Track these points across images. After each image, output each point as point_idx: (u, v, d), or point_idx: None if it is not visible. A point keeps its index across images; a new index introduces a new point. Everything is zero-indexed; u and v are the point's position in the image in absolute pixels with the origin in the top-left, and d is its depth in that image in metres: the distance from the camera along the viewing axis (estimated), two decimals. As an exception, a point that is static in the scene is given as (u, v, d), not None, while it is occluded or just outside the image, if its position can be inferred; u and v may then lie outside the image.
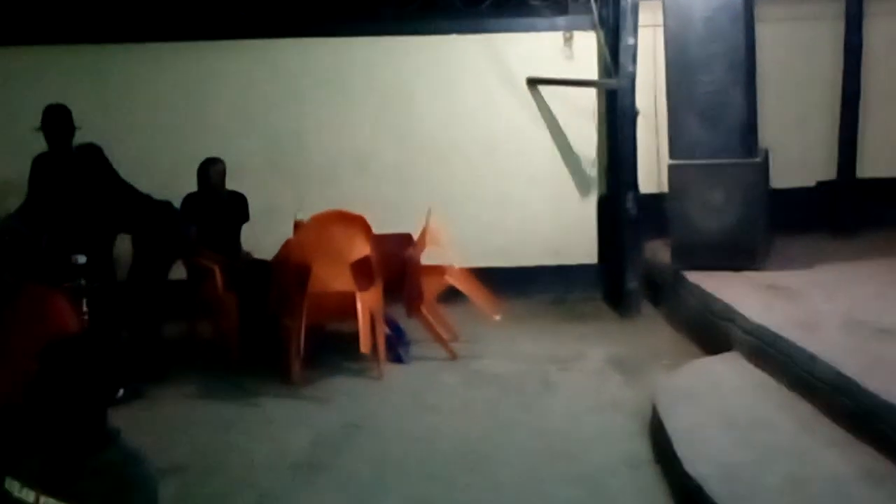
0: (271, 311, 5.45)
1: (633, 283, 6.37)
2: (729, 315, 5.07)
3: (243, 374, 5.38)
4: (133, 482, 2.31)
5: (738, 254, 5.77)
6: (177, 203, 5.81)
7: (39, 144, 5.38)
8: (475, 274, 5.83)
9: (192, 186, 5.90)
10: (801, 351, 4.22)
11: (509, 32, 6.84)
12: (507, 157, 6.91)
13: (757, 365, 4.62)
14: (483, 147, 6.90)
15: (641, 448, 4.19)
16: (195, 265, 5.69)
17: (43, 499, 2.22)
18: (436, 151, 6.89)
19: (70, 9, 6.57)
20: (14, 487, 2.24)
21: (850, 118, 6.94)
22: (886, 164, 7.07)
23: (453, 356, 5.58)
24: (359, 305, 5.12)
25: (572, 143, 6.91)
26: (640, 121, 6.44)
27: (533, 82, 6.85)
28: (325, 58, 6.83)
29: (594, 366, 5.43)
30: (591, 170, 6.92)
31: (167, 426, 4.63)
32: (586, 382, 5.15)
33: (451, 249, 5.72)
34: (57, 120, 5.30)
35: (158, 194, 5.69)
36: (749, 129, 5.85)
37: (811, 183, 7.12)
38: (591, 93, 6.83)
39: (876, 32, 6.91)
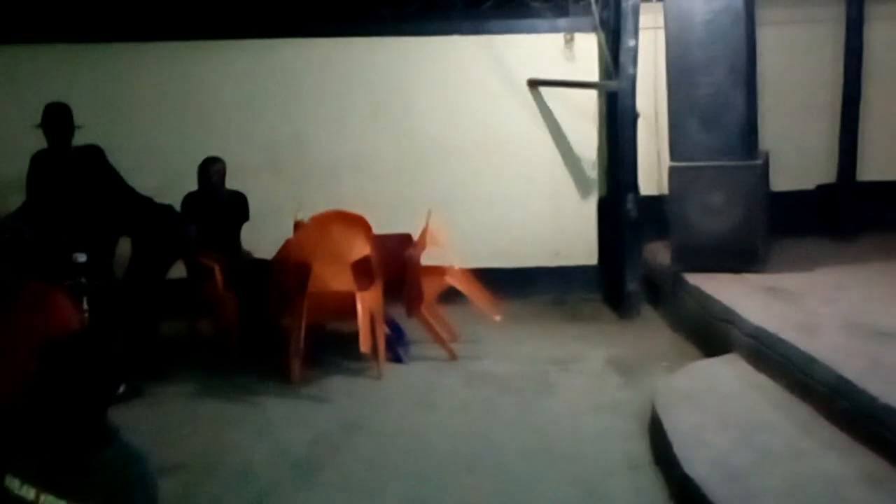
0: (271, 310, 5.46)
1: (632, 285, 6.38)
2: (728, 317, 5.07)
3: (243, 373, 5.38)
4: (133, 480, 2.31)
5: (738, 256, 5.78)
6: (177, 202, 5.81)
7: (40, 143, 5.39)
8: (475, 274, 5.83)
9: (193, 186, 5.90)
10: (801, 353, 4.22)
11: (510, 34, 6.85)
12: (507, 159, 6.91)
13: (756, 367, 4.63)
14: (483, 148, 6.90)
15: (640, 449, 4.19)
16: (195, 264, 5.69)
17: (43, 496, 2.22)
18: (436, 152, 6.89)
19: (71, 7, 6.57)
20: (14, 485, 2.24)
21: (850, 121, 6.95)
22: (886, 167, 7.08)
23: (453, 356, 5.58)
24: (359, 305, 5.12)
25: (573, 144, 6.91)
26: (640, 123, 6.45)
27: (533, 84, 6.85)
28: (325, 58, 6.84)
29: (594, 367, 5.43)
30: (592, 171, 6.93)
31: (167, 425, 4.63)
32: (586, 383, 5.16)
33: (451, 250, 5.72)
34: (57, 118, 5.31)
35: (158, 193, 5.69)
36: (749, 131, 5.86)
37: (811, 186, 7.13)
38: (592, 94, 6.84)
39: (876, 36, 6.91)
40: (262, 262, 5.72)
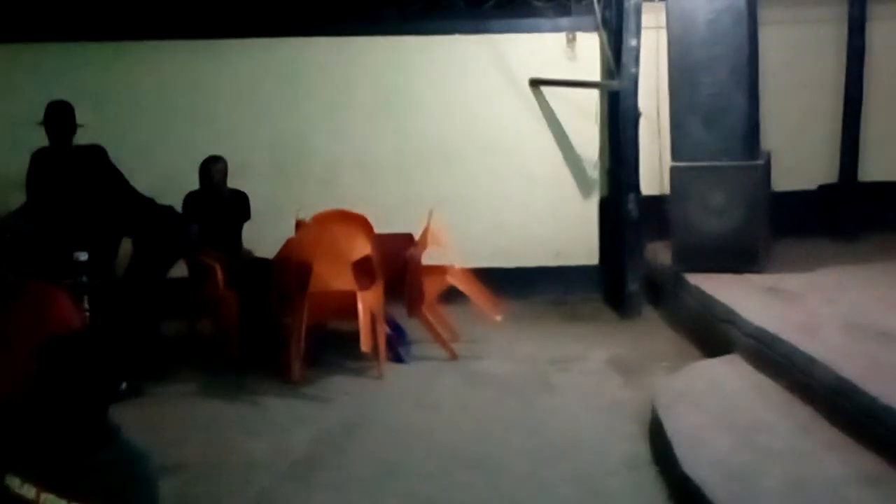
0: (272, 309, 5.46)
1: (633, 285, 6.37)
2: (729, 317, 5.07)
3: (244, 372, 5.38)
4: (134, 479, 2.32)
5: (739, 256, 5.77)
6: (178, 201, 5.82)
7: (42, 142, 5.39)
8: (476, 274, 5.83)
9: (194, 185, 5.90)
10: (801, 354, 4.22)
11: (512, 33, 6.84)
12: (508, 158, 6.91)
13: (757, 367, 4.63)
14: (485, 147, 6.90)
15: (641, 449, 4.19)
16: (196, 263, 5.69)
17: (43, 495, 2.23)
18: (437, 151, 6.89)
19: (73, 6, 6.57)
20: (15, 483, 2.24)
21: (852, 122, 6.94)
22: (888, 167, 7.07)
23: (454, 356, 5.58)
24: (360, 305, 5.12)
25: (574, 144, 6.91)
26: (642, 122, 6.45)
27: (535, 83, 6.85)
28: (327, 57, 6.84)
29: (594, 367, 5.44)
30: (593, 171, 6.93)
31: (167, 424, 4.63)
32: (586, 383, 5.15)
33: (453, 249, 5.72)
34: (59, 116, 5.31)
35: (160, 192, 5.70)
36: (751, 131, 5.85)
37: (813, 186, 7.12)
38: (594, 94, 6.84)
39: (878, 36, 6.90)
40: (263, 262, 5.72)
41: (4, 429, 2.35)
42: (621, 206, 6.43)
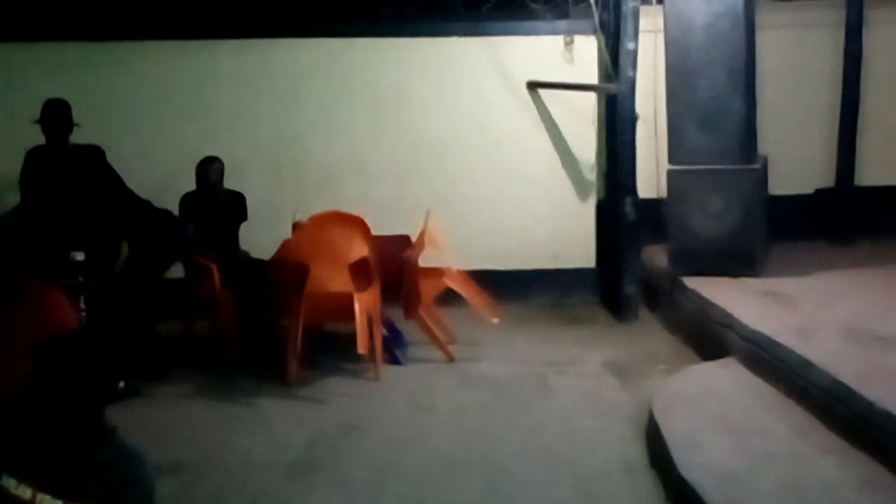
0: (269, 310, 5.45)
1: (630, 288, 6.38)
2: (726, 321, 5.07)
3: (240, 373, 5.37)
4: (130, 480, 2.31)
5: (736, 260, 5.78)
6: (175, 201, 5.81)
7: (39, 140, 5.38)
8: (473, 276, 5.83)
9: (191, 185, 5.90)
10: (798, 357, 4.22)
11: (510, 35, 6.85)
12: (506, 161, 6.91)
13: (753, 371, 4.63)
14: (482, 150, 6.90)
15: (637, 452, 4.19)
16: (193, 264, 5.69)
17: (39, 496, 2.22)
18: (435, 153, 6.89)
19: (72, 6, 6.57)
20: (10, 484, 2.24)
21: (849, 126, 6.95)
22: (885, 172, 7.08)
23: (450, 358, 5.58)
24: (356, 306, 5.12)
25: (572, 146, 6.91)
26: (639, 126, 6.46)
27: (533, 86, 6.85)
28: (325, 59, 6.84)
29: (591, 370, 5.44)
30: (591, 174, 6.93)
31: (164, 425, 4.63)
32: (583, 386, 5.15)
33: (450, 252, 5.72)
34: (56, 114, 5.31)
35: (157, 192, 5.70)
36: (748, 135, 5.86)
37: (809, 190, 7.14)
38: (591, 97, 6.84)
39: (876, 40, 6.92)
40: (260, 263, 5.72)
41: (1, 429, 2.34)
42: (618, 209, 6.43)
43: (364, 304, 5.18)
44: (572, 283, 6.90)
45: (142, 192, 5.61)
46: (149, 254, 5.38)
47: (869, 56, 6.90)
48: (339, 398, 5.05)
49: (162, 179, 6.13)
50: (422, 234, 5.61)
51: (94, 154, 5.45)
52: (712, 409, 4.29)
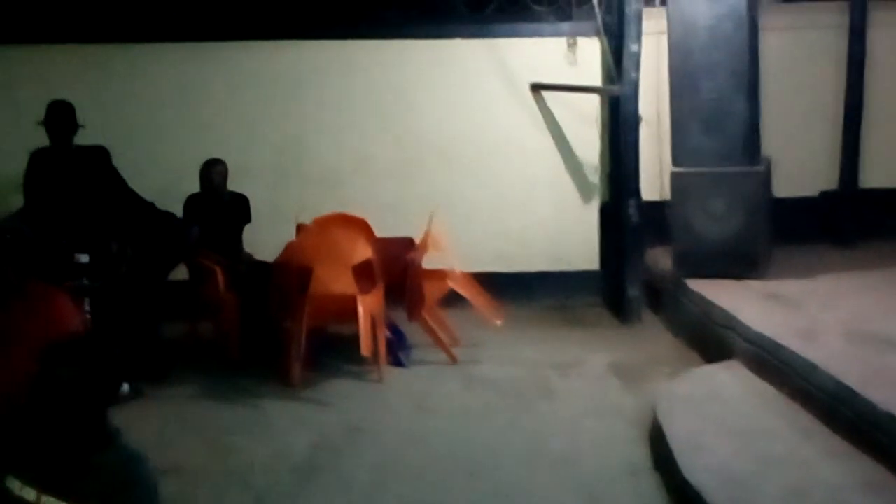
0: (272, 312, 5.45)
1: (634, 290, 6.37)
2: (729, 323, 5.07)
3: (244, 375, 5.38)
4: (133, 482, 2.31)
5: (740, 262, 5.77)
6: (179, 204, 5.82)
7: (43, 141, 5.39)
8: (476, 278, 5.83)
9: (195, 187, 5.90)
10: (802, 360, 4.22)
11: (513, 38, 6.84)
12: (509, 163, 6.91)
13: (757, 373, 4.63)
14: (486, 152, 6.90)
15: (641, 455, 4.19)
16: (197, 266, 5.69)
17: (43, 498, 2.22)
18: (438, 155, 6.89)
19: (76, 8, 6.58)
20: (15, 486, 2.24)
21: (853, 128, 6.95)
22: (889, 174, 7.07)
23: (454, 360, 5.58)
24: (360, 308, 5.12)
25: (575, 149, 6.91)
26: (642, 128, 6.45)
27: (536, 88, 6.85)
28: (328, 60, 6.84)
29: (594, 372, 5.43)
30: (594, 176, 6.93)
31: (167, 427, 4.63)
32: (586, 388, 5.15)
33: (453, 254, 5.72)
34: (60, 115, 5.31)
35: (160, 194, 5.70)
36: (752, 137, 5.85)
37: (813, 192, 7.13)
38: (595, 99, 6.84)
39: (879, 43, 6.91)
40: (264, 265, 5.72)
41: (5, 431, 2.35)
42: (622, 211, 6.43)
43: (367, 306, 5.18)
44: (575, 285, 6.89)
45: (145, 194, 5.62)
46: (152, 256, 5.38)
47: (872, 58, 6.90)
48: (342, 400, 5.05)
49: (166, 181, 6.13)
50: (425, 237, 5.61)
51: (100, 155, 5.45)
52: (716, 411, 4.29)
